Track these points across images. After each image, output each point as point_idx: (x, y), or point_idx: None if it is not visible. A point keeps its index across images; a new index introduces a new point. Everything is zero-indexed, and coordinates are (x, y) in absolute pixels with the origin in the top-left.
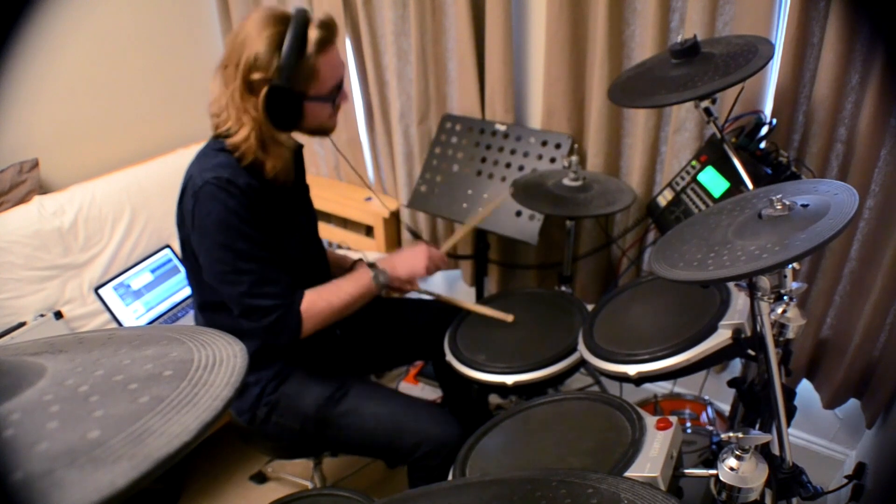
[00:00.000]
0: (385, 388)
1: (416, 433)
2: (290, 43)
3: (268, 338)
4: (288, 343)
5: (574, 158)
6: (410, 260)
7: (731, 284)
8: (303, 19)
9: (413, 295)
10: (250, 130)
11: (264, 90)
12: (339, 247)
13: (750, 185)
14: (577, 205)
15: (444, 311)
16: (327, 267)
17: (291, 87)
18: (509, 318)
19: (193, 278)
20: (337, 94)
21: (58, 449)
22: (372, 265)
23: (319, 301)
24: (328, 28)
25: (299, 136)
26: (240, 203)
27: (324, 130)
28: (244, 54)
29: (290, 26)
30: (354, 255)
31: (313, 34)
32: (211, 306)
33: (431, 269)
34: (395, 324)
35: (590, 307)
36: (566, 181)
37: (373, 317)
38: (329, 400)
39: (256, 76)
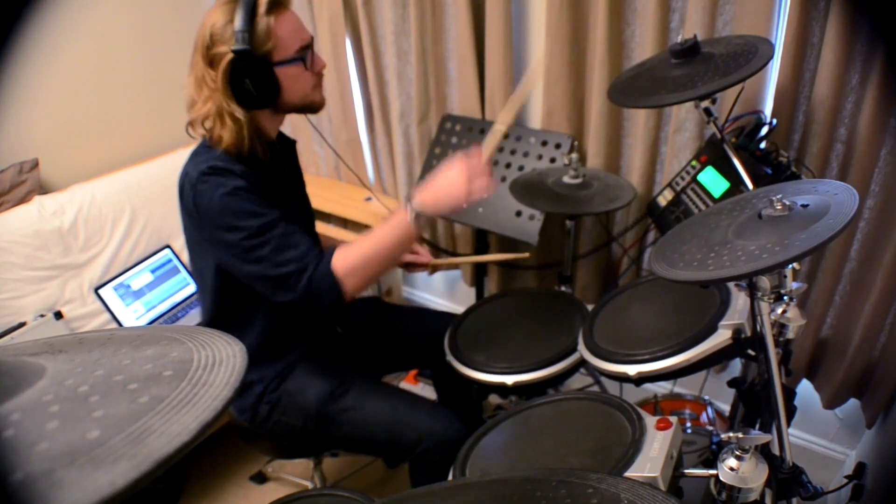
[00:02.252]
0: (386, 385)
1: (417, 429)
2: (240, 7)
3: (310, 305)
4: (333, 305)
5: (574, 155)
6: (450, 194)
7: (731, 284)
8: None
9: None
10: (211, 103)
11: (226, 59)
12: None
13: (750, 185)
14: (577, 202)
15: (443, 320)
16: None
17: (251, 50)
18: (525, 254)
19: (207, 292)
20: (304, 53)
21: (58, 449)
22: (410, 205)
23: (351, 255)
24: None
25: (294, 119)
26: (240, 181)
27: (311, 105)
28: (203, 35)
29: None
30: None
31: None
32: (221, 323)
33: (476, 191)
34: (396, 330)
35: (590, 307)
36: (566, 178)
37: (373, 318)
38: (330, 396)
39: (215, 50)
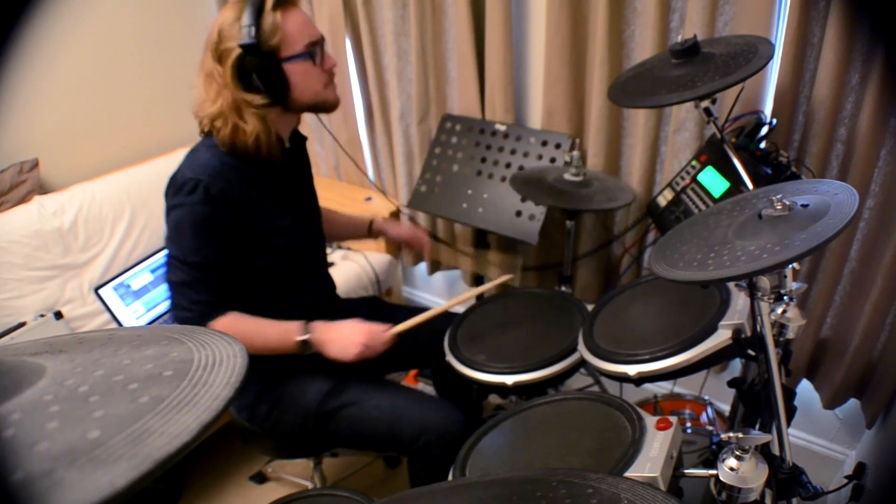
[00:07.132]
0: (385, 381)
1: (417, 422)
2: (248, 3)
3: None
4: None
5: (576, 153)
6: (343, 343)
7: (731, 284)
8: None
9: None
10: (222, 99)
11: (233, 54)
12: (339, 247)
13: (750, 185)
14: (577, 199)
15: (443, 319)
16: (325, 265)
17: (259, 45)
18: (510, 276)
19: None
20: (313, 49)
21: (58, 449)
22: (307, 328)
23: (231, 331)
24: None
25: (306, 118)
26: (202, 210)
27: (324, 104)
28: (212, 33)
29: None
30: (366, 217)
31: None
32: None
33: (365, 356)
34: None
35: (590, 307)
36: (567, 176)
37: (373, 318)
38: (329, 394)
39: (224, 46)
